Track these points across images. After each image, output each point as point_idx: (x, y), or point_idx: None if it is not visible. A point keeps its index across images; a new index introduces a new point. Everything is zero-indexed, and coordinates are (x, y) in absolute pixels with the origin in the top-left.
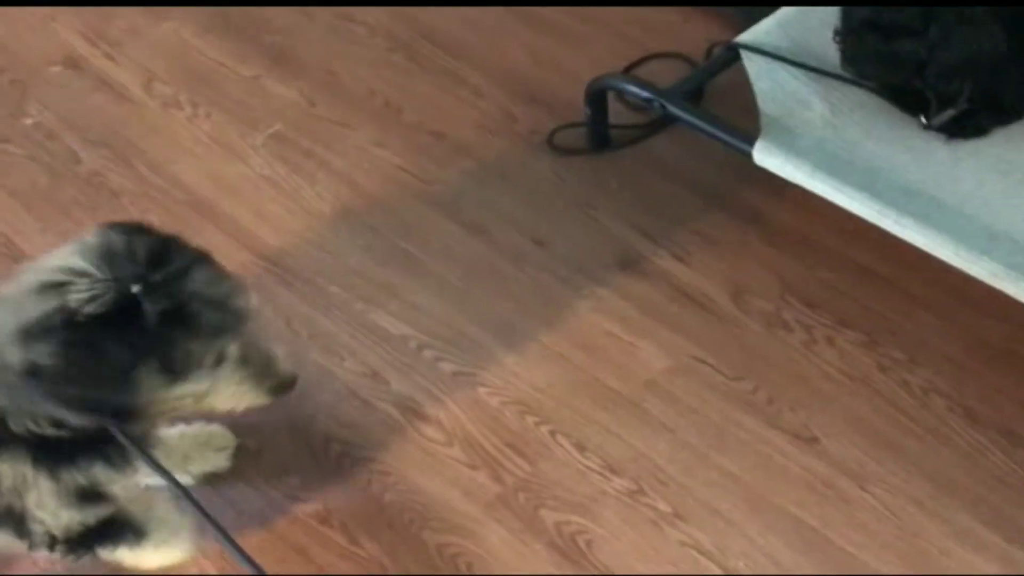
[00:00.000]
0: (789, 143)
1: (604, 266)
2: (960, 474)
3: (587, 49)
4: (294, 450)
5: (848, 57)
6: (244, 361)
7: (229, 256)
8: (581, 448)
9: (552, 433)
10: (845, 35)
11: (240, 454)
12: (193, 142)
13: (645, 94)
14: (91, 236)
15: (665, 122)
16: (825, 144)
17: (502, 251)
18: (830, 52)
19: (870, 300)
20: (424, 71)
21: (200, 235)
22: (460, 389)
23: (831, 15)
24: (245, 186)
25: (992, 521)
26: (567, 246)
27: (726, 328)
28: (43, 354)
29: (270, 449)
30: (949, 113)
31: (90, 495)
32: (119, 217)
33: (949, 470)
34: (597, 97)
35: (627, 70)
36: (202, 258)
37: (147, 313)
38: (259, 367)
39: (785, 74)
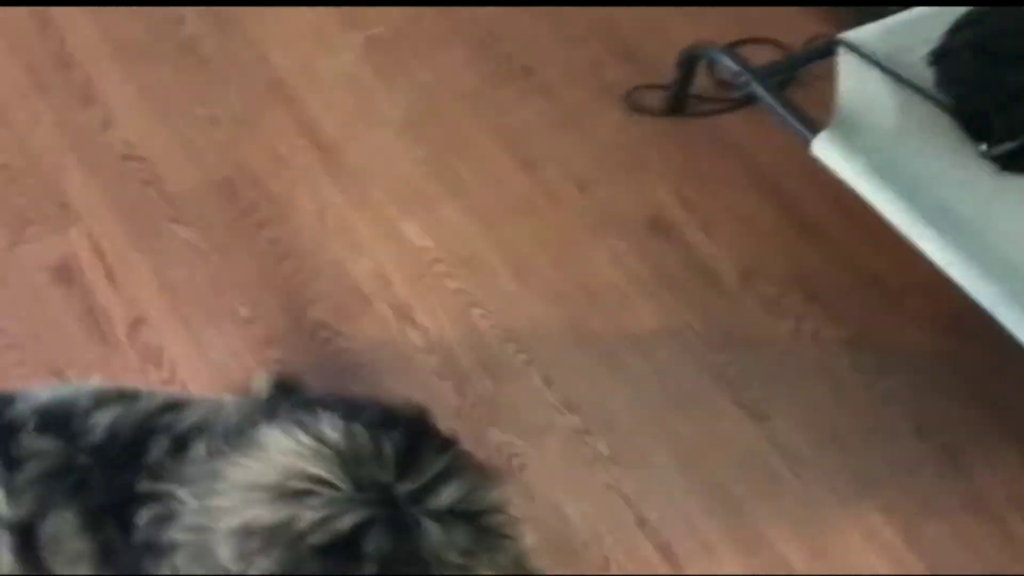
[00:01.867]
0: (849, 141)
1: (634, 222)
2: (889, 480)
3: (697, 22)
4: (284, 327)
5: (945, 79)
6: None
7: (287, 142)
8: (548, 382)
9: (527, 363)
10: (943, 56)
11: (232, 319)
12: (292, 26)
13: (736, 68)
14: (330, 427)
15: (743, 102)
16: (882, 149)
17: (544, 189)
18: (920, 65)
19: (869, 304)
20: (534, 6)
21: (267, 114)
22: (456, 307)
23: (936, 32)
24: (326, 78)
25: (902, 526)
26: (607, 196)
27: (725, 303)
28: (264, 569)
29: (262, 319)
30: (1008, 146)
31: None
32: (200, 81)
33: (880, 474)
34: (689, 63)
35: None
36: (459, 460)
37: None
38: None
39: (871, 77)
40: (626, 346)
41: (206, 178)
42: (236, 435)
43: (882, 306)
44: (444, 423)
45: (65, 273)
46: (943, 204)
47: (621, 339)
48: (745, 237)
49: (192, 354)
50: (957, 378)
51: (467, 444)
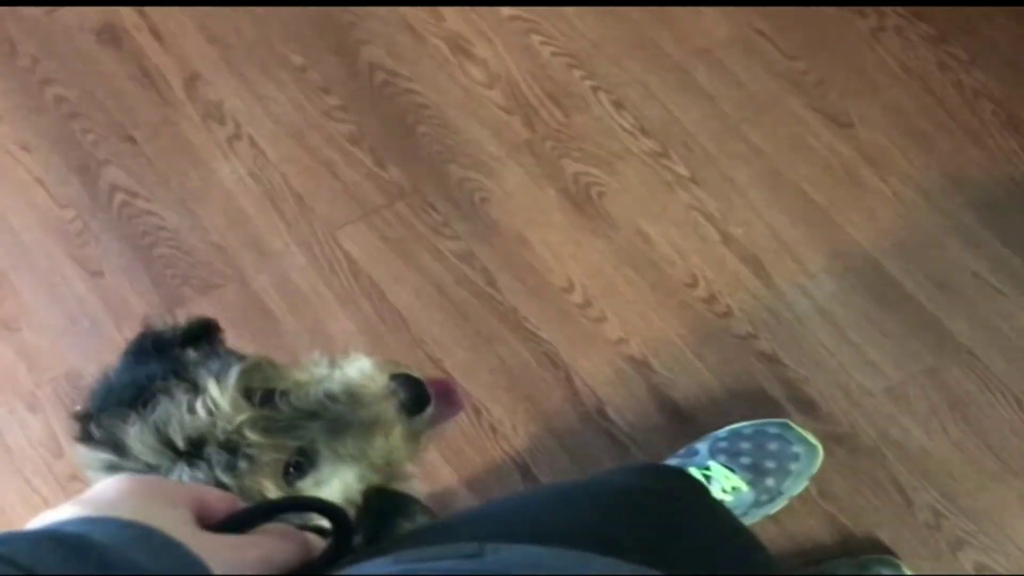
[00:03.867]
0: None
1: None
2: (980, 176)
3: None
4: (338, 72)
5: None
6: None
7: None
8: (619, 107)
9: (594, 89)
10: None
11: (284, 65)
12: None
13: None
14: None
15: None
16: None
17: None
18: None
19: None
20: None
21: None
22: (515, 35)
23: None
24: None
25: (995, 223)
26: None
27: (796, 8)
28: None
29: (315, 67)
30: None
31: None
32: None
33: (971, 170)
34: None
35: None
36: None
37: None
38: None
39: None
40: (696, 61)
41: None
42: None
43: None
44: (516, 158)
45: (111, 34)
46: None
47: (690, 54)
48: None
49: (253, 107)
50: None
51: (541, 178)
